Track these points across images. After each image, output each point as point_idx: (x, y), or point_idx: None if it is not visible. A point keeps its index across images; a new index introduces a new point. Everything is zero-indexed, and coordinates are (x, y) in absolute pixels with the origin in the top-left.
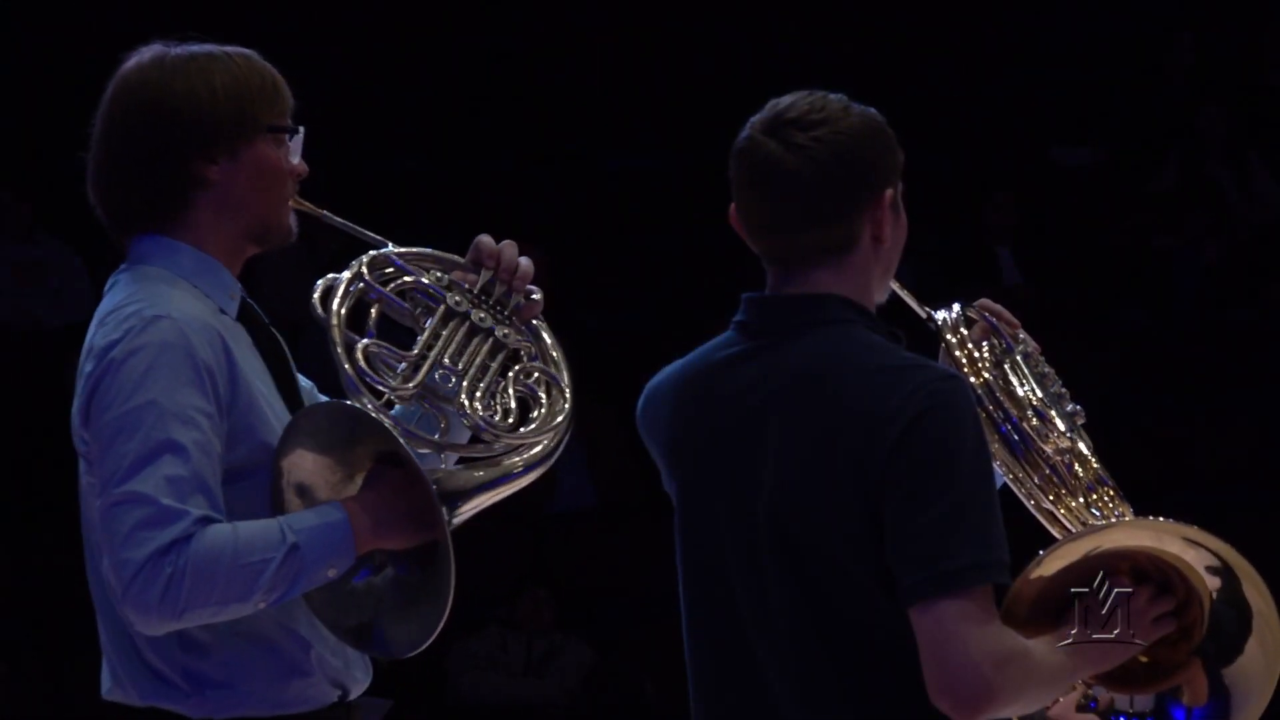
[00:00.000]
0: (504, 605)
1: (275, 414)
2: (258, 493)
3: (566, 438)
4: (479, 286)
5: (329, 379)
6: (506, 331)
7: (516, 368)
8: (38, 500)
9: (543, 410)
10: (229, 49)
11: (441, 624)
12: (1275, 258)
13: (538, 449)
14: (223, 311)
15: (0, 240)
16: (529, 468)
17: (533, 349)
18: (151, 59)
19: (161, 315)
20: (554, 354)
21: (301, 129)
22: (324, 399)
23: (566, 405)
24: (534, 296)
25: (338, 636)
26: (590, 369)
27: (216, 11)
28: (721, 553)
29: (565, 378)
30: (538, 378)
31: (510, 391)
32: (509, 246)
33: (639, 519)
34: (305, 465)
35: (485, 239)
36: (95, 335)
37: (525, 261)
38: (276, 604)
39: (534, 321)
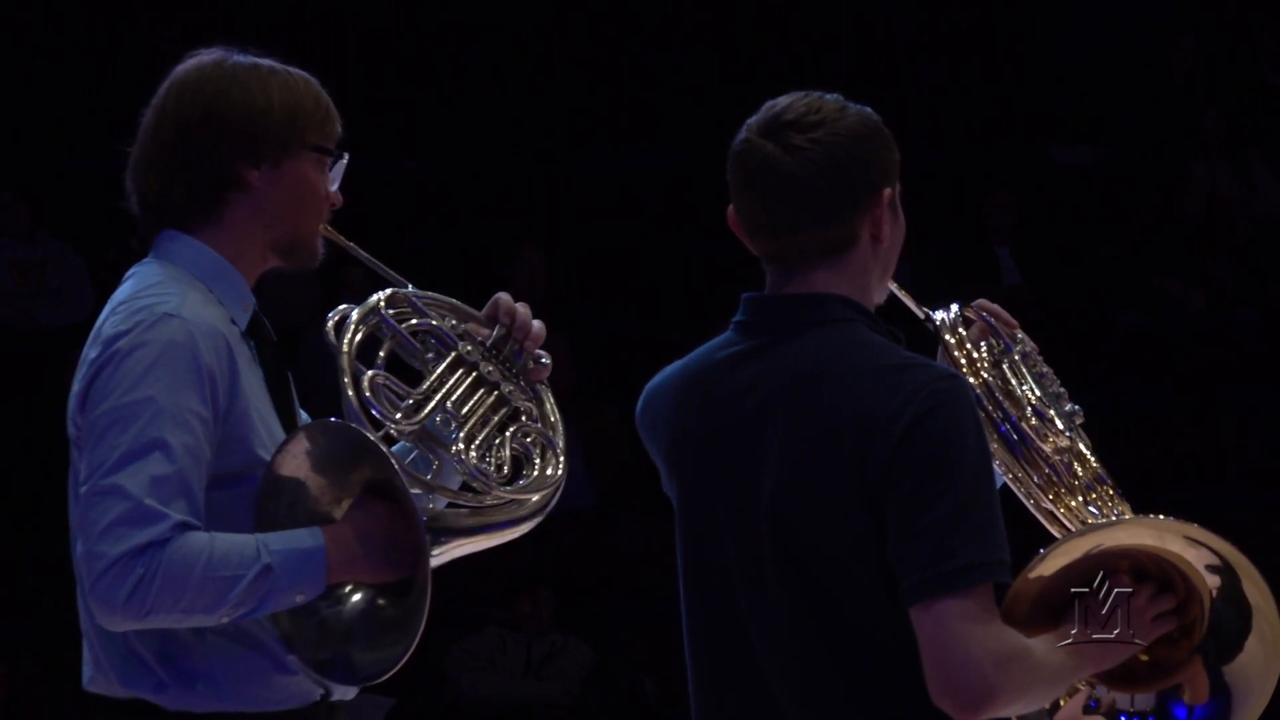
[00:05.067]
0: (503, 606)
1: (268, 429)
2: (244, 501)
3: (553, 503)
4: (491, 341)
5: (328, 397)
6: (512, 389)
7: (515, 427)
8: (38, 500)
9: (535, 470)
10: (290, 68)
11: (406, 657)
12: (1275, 258)
13: (525, 507)
14: (233, 322)
15: (0, 240)
16: (516, 522)
17: (534, 410)
18: (213, 62)
19: (172, 314)
20: (553, 419)
21: (346, 156)
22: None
23: (559, 471)
24: (543, 360)
25: (308, 666)
26: (590, 369)
27: (217, 12)
28: (722, 553)
29: (561, 444)
30: (534, 439)
31: (506, 448)
32: (524, 307)
33: (639, 519)
34: (298, 479)
35: (504, 297)
36: (105, 323)
37: (539, 324)
38: (241, 620)
39: (538, 385)
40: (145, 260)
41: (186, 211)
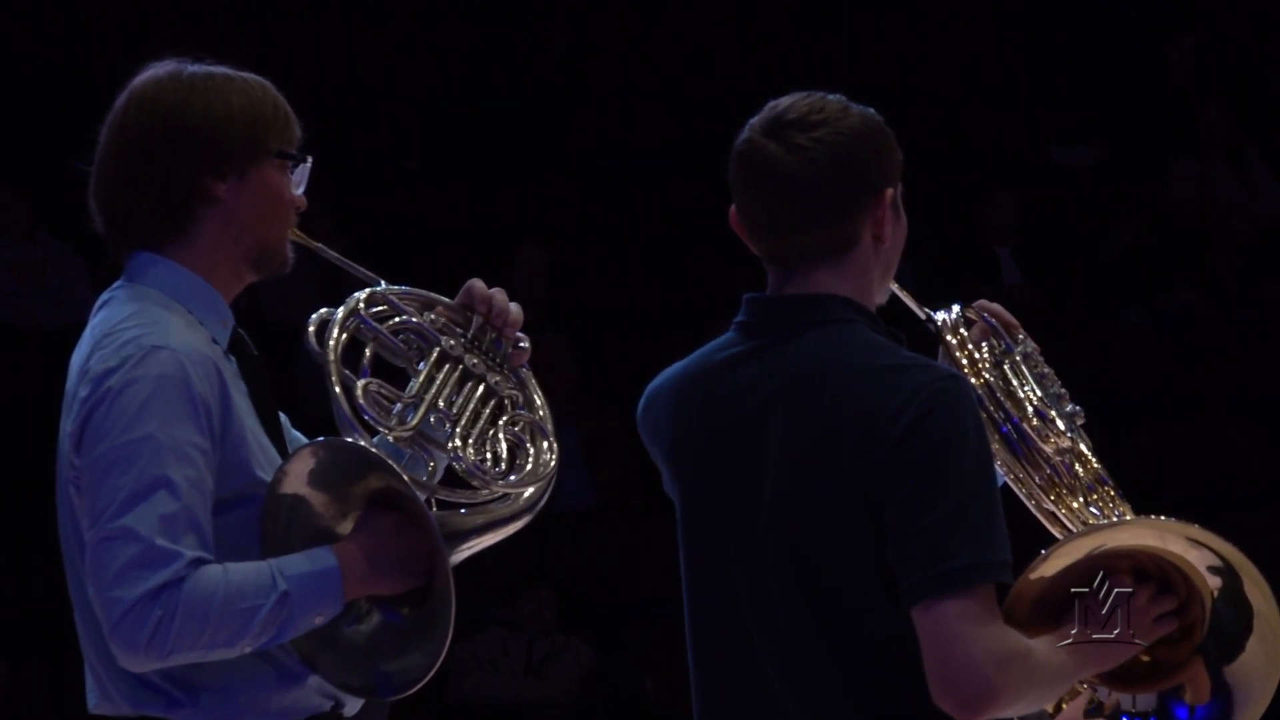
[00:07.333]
0: (504, 606)
1: (263, 449)
2: (247, 524)
3: (551, 487)
4: (471, 332)
5: (326, 400)
6: (497, 379)
7: (505, 417)
8: (38, 500)
9: (530, 458)
10: (244, 74)
11: (438, 663)
12: (1275, 258)
13: (526, 496)
14: (215, 341)
15: (0, 240)
16: (517, 515)
17: (519, 397)
18: (169, 74)
19: (161, 346)
20: (538, 402)
21: (309, 160)
22: (297, 434)
23: (554, 455)
24: (522, 345)
25: (348, 694)
26: (590, 369)
27: (217, 12)
28: (724, 553)
29: (550, 427)
30: (524, 426)
31: (500, 438)
32: (499, 292)
33: (639, 519)
34: (300, 497)
35: (477, 283)
36: (92, 358)
37: (515, 308)
38: (263, 648)
39: (521, 370)
40: (118, 284)
41: (156, 230)
